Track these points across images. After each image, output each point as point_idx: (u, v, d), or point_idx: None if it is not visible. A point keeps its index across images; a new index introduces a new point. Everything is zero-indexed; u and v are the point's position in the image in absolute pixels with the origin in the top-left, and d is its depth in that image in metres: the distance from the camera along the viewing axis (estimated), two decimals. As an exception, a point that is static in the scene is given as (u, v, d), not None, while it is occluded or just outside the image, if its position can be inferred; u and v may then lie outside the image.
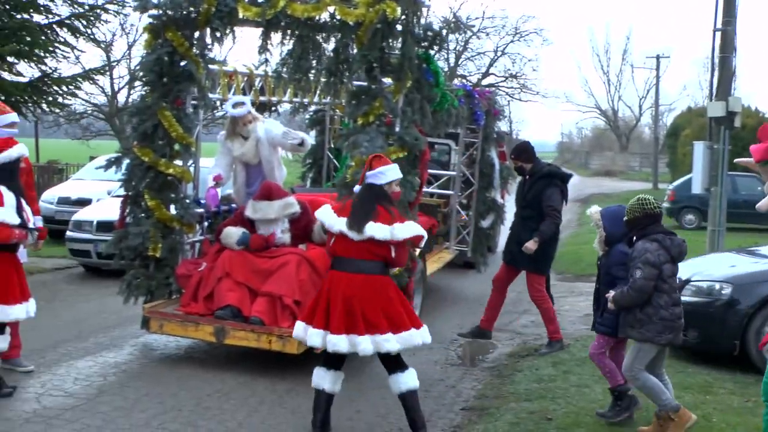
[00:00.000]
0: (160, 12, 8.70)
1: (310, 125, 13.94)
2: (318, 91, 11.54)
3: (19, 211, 7.12)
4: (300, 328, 6.60)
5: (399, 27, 8.34)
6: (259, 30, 8.78)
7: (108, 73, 17.92)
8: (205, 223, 9.73)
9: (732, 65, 18.96)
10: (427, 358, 9.31)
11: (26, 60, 12.59)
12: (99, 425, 6.59)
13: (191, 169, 9.27)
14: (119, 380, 7.83)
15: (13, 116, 7.76)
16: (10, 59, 12.30)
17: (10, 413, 6.80)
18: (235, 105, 9.16)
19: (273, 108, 11.59)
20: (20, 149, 7.25)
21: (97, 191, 16.24)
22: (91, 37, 13.90)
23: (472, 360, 9.54)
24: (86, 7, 14.11)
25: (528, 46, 46.32)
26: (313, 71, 8.79)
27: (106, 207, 14.08)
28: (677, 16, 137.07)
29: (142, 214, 9.01)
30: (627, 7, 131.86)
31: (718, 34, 18.99)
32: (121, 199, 9.19)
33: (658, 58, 53.36)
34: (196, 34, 8.86)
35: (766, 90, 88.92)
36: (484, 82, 43.64)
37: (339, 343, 6.27)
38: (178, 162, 9.03)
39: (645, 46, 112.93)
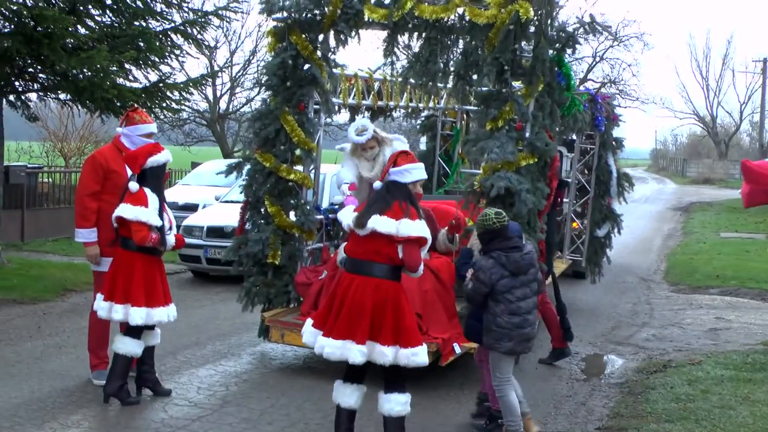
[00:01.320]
0: (285, 15, 8.54)
1: (421, 131, 13.70)
2: (438, 96, 11.28)
3: (161, 214, 7.06)
4: (309, 332, 6.19)
5: (531, 28, 8.01)
6: (384, 33, 8.56)
7: (214, 79, 18.03)
8: (323, 231, 9.55)
9: None
10: (551, 372, 8.95)
11: (143, 66, 12.61)
12: (228, 437, 6.42)
13: (311, 174, 9.08)
14: (242, 390, 7.67)
15: (152, 127, 7.79)
16: (127, 66, 12.34)
17: (139, 422, 6.70)
18: (358, 131, 8.88)
19: (389, 113, 11.36)
20: (167, 155, 7.23)
21: (203, 197, 16.29)
22: (203, 43, 13.85)
23: (598, 375, 9.12)
24: (199, 14, 14.09)
25: (628, 51, 45.22)
26: (440, 74, 8.50)
27: (216, 213, 14.09)
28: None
29: (262, 221, 8.86)
30: (729, 11, 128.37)
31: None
32: (241, 205, 9.05)
33: (765, 61, 51.63)
34: (320, 37, 8.69)
35: None
36: (581, 87, 42.89)
37: (330, 348, 5.86)
38: (299, 168, 8.86)
39: (747, 51, 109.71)
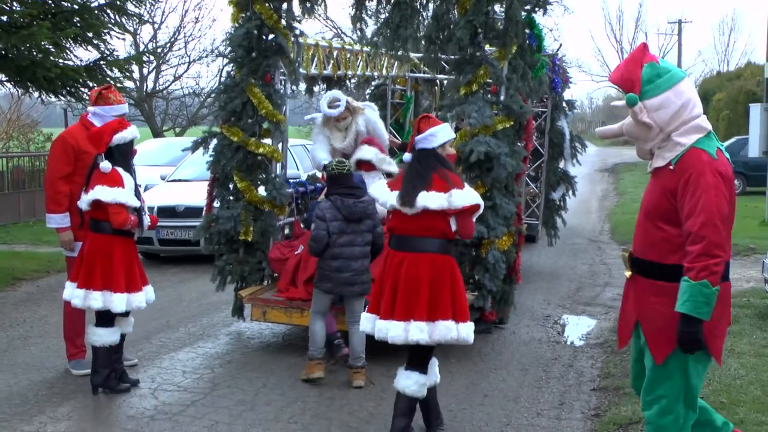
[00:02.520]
0: (248, -17, 8.25)
1: (372, 99, 13.49)
2: (402, 63, 11.09)
3: (138, 195, 6.75)
4: (365, 318, 5.98)
5: (503, -11, 7.90)
6: (351, -1, 8.37)
7: (155, 56, 17.49)
8: (293, 205, 9.34)
9: (788, 24, 18.34)
10: (530, 337, 8.93)
11: (83, 44, 12.11)
12: (228, 421, 6.21)
13: (280, 147, 8.85)
14: (228, 372, 7.45)
15: (126, 107, 7.48)
16: (67, 44, 11.84)
17: (132, 410, 6.45)
18: (331, 102, 8.65)
19: (344, 83, 11.14)
20: (134, 131, 6.88)
21: (146, 177, 15.82)
22: (143, 19, 13.39)
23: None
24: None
25: (549, 16, 45.37)
26: (411, 40, 8.33)
27: (164, 192, 13.70)
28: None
29: (231, 197, 8.60)
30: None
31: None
32: (208, 182, 8.76)
33: (680, 23, 52.69)
34: (284, 5, 8.42)
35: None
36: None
37: (395, 332, 5.60)
38: (267, 141, 8.61)
39: (658, 14, 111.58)
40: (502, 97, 8.07)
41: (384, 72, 11.77)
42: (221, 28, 36.10)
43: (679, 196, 4.09)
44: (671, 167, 4.14)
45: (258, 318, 8.11)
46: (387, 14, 8.24)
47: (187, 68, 25.19)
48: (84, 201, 6.70)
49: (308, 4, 8.36)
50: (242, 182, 8.47)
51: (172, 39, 25.40)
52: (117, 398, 6.70)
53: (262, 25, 8.33)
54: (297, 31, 8.58)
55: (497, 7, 7.98)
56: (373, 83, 12.92)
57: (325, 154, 8.56)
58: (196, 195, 12.17)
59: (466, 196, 5.65)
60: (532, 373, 7.62)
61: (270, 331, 8.79)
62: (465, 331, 5.66)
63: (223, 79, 8.67)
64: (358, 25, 8.38)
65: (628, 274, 4.49)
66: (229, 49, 8.46)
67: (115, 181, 6.65)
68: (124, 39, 20.56)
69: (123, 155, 6.77)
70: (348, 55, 10.37)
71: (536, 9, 8.18)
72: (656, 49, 76.26)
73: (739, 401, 6.39)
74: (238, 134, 8.39)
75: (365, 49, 10.93)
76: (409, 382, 5.73)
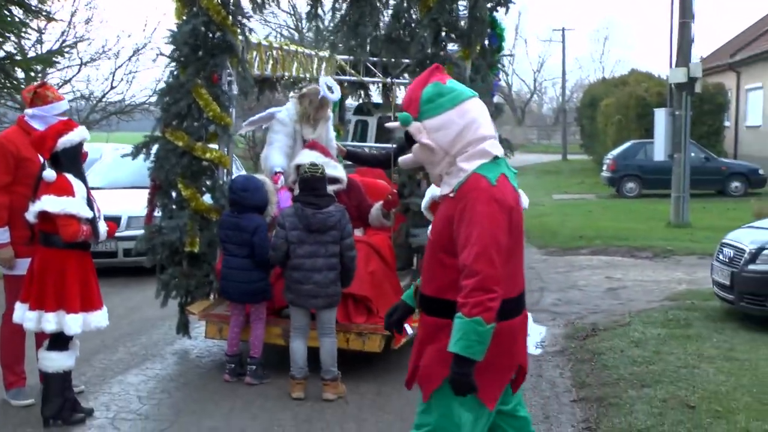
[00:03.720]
0: (194, -24, 7.69)
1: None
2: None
3: (90, 203, 6.10)
4: None
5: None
6: (305, -6, 7.90)
7: (62, 56, 16.37)
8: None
9: (691, 31, 18.85)
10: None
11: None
12: (205, 451, 5.68)
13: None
14: (190, 396, 6.87)
15: (66, 104, 6.80)
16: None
17: (96, 444, 5.82)
18: (331, 88, 8.21)
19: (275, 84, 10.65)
20: (82, 132, 6.21)
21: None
22: (49, 16, 12.52)
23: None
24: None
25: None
26: (369, 38, 7.94)
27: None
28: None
29: (174, 206, 8.01)
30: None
31: (676, 1, 18.89)
32: (149, 189, 8.13)
33: (563, 30, 53.86)
34: (232, 1, 7.89)
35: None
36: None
37: None
38: (214, 146, 8.06)
39: (537, 22, 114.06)
40: (465, 99, 7.75)
41: (315, 73, 11.34)
42: (116, 30, 34.64)
43: (455, 226, 3.70)
44: (451, 194, 3.78)
45: (214, 336, 7.57)
46: (344, 11, 7.82)
47: (78, 71, 23.86)
48: (31, 213, 6.02)
49: (259, 0, 7.84)
50: (187, 189, 7.90)
51: (62, 40, 24.11)
52: (72, 430, 6.05)
53: (209, 22, 7.78)
54: (246, 29, 8.07)
55: (461, 5, 7.68)
56: (301, 85, 12.46)
57: (282, 158, 8.05)
58: (109, 204, 11.41)
59: None
60: (504, 386, 7.31)
61: (218, 348, 8.20)
62: None
63: (165, 79, 8.08)
64: (313, 22, 7.90)
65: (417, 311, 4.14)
66: (172, 47, 7.87)
67: (63, 190, 5.98)
68: (41, 38, 19.33)
69: (71, 160, 6.09)
70: (284, 55, 9.90)
71: (498, 7, 7.92)
72: (536, 57, 77.80)
73: (734, 409, 6.25)
74: (183, 138, 7.81)
75: (301, 50, 10.51)
76: None
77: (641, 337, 8.44)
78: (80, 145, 6.18)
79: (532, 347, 8.08)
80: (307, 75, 11.07)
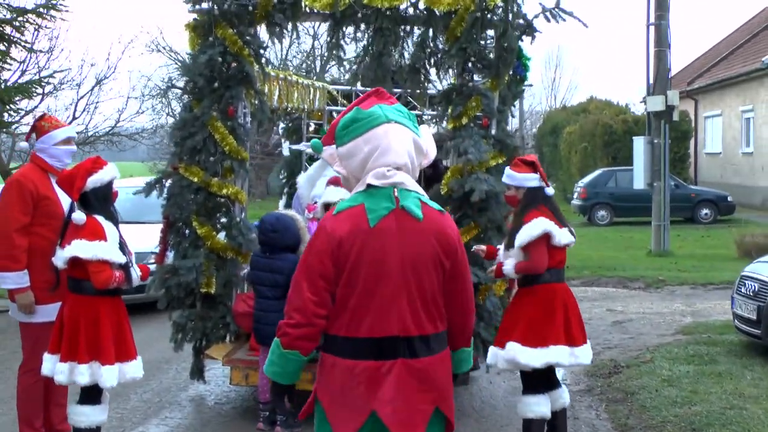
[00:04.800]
0: (210, 5, 7.35)
1: (287, 133, 12.72)
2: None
3: (123, 247, 5.69)
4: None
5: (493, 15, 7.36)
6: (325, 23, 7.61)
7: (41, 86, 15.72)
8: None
9: (668, 59, 18.93)
10: (509, 385, 8.35)
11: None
12: None
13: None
14: (218, 447, 6.48)
15: (69, 130, 6.38)
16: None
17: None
18: None
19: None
20: (112, 171, 5.81)
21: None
22: (26, 46, 12.05)
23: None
24: (12, 12, 12.31)
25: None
26: (395, 68, 7.65)
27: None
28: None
29: (187, 245, 7.61)
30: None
31: (652, 29, 18.97)
32: (161, 228, 7.72)
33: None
34: (250, 30, 7.57)
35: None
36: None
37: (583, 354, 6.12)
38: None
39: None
40: (493, 131, 7.51)
41: (311, 105, 11.06)
42: (79, 58, 33.81)
43: None
44: None
45: (239, 382, 7.17)
46: (367, 41, 7.53)
47: (41, 100, 23.18)
48: (60, 258, 5.60)
49: (277, 29, 7.52)
50: (202, 227, 7.50)
51: (22, 69, 23.38)
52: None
53: (225, 52, 7.43)
54: (263, 60, 7.74)
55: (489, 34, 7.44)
56: (289, 116, 12.18)
57: (305, 196, 7.75)
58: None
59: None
60: None
61: (236, 393, 7.82)
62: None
63: (178, 113, 7.70)
64: (334, 52, 7.58)
65: None
66: (186, 79, 7.51)
67: (94, 234, 5.58)
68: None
69: (101, 200, 5.70)
70: (288, 86, 9.61)
71: (523, 36, 7.68)
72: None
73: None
74: (198, 174, 7.43)
75: (300, 80, 10.23)
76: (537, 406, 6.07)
77: (671, 375, 8.20)
78: (110, 184, 5.79)
79: None
80: (305, 105, 10.82)
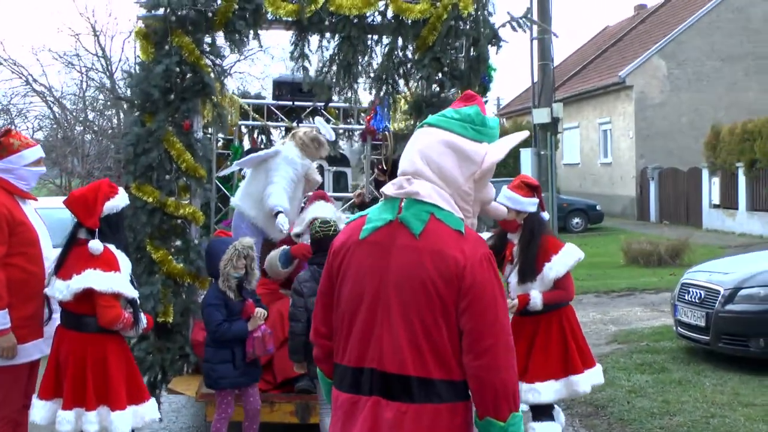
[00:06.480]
0: (166, 11, 6.79)
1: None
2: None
3: (134, 281, 5.11)
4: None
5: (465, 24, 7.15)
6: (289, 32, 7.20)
7: None
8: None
9: (552, 73, 19.27)
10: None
11: None
12: None
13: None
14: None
15: (40, 150, 5.68)
16: None
17: None
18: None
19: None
20: (124, 198, 5.32)
21: None
22: None
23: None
24: None
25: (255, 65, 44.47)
26: (363, 78, 7.32)
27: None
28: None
29: (141, 271, 6.99)
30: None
31: (535, 43, 19.25)
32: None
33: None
34: (207, 38, 7.06)
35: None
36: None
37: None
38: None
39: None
40: (464, 143, 7.28)
41: (233, 118, 10.55)
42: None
43: None
44: None
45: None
46: (334, 50, 7.17)
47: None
48: (68, 289, 4.97)
49: (237, 36, 7.04)
50: (158, 252, 6.94)
51: None
52: None
53: (181, 62, 6.90)
54: (219, 69, 7.24)
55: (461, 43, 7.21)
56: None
57: (286, 199, 7.26)
58: None
59: None
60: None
61: (196, 430, 7.23)
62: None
63: (128, 129, 7.10)
64: (299, 62, 7.17)
65: None
66: (139, 91, 6.91)
67: (109, 264, 5.05)
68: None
69: (113, 228, 5.19)
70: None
71: (488, 46, 7.50)
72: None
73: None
74: (153, 194, 6.86)
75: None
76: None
77: (633, 385, 8.18)
78: (123, 212, 5.25)
79: None
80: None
